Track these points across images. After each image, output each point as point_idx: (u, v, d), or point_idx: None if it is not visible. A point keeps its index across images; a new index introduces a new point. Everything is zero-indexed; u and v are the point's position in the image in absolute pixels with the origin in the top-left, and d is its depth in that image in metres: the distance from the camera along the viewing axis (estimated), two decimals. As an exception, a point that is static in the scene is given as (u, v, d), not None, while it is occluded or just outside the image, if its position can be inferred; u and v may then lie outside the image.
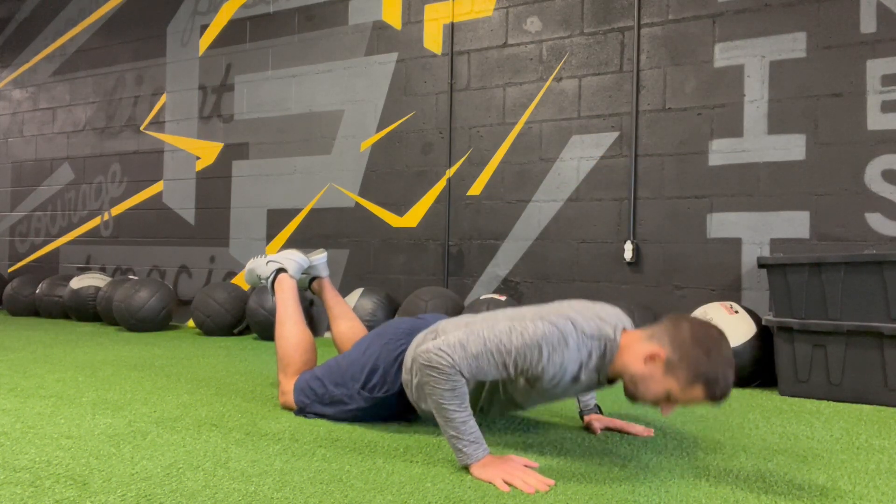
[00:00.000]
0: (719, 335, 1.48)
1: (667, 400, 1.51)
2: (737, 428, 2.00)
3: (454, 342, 1.54)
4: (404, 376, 1.84)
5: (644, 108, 3.31)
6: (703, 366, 1.44)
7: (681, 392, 1.47)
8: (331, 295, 2.48)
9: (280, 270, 2.38)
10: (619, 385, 2.65)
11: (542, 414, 2.13)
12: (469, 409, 1.54)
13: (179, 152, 4.80)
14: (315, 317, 4.07)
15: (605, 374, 1.59)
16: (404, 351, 1.86)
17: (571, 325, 1.54)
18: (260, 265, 2.43)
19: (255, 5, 4.51)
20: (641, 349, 1.52)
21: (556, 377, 1.55)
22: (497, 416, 1.84)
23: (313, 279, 2.54)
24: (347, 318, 2.42)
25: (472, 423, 1.53)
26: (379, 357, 1.88)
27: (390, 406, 1.89)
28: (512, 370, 1.55)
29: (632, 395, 1.56)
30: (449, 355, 1.52)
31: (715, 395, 1.45)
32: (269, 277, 2.38)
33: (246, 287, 4.19)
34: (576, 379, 1.57)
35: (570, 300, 1.78)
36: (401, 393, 1.86)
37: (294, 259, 2.42)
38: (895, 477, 1.56)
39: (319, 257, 2.51)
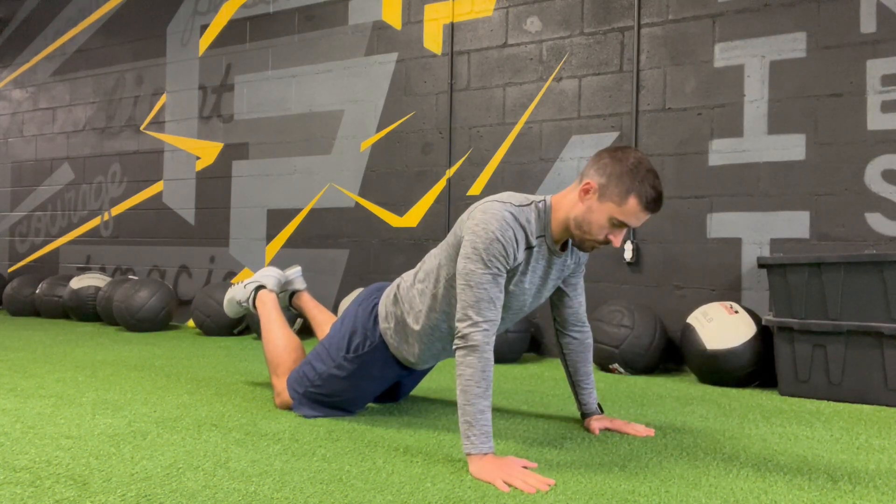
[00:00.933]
0: (635, 151, 1.61)
1: (611, 225, 1.62)
2: (737, 428, 2.00)
3: (461, 314, 1.60)
4: (381, 325, 1.92)
5: (644, 108, 3.31)
6: (628, 178, 1.57)
7: (620, 211, 1.59)
8: (311, 305, 2.54)
9: (259, 288, 2.44)
10: (619, 386, 2.65)
11: (541, 414, 2.13)
12: (490, 399, 1.57)
13: (179, 152, 4.80)
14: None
15: (551, 236, 1.69)
16: (377, 304, 1.97)
17: (499, 203, 1.64)
18: (238, 291, 2.50)
19: (255, 5, 4.51)
20: (574, 192, 1.66)
21: (517, 254, 1.63)
22: (507, 326, 1.90)
23: (292, 295, 2.57)
24: (331, 322, 2.44)
25: (489, 416, 1.55)
26: (356, 319, 1.98)
27: (378, 362, 1.94)
28: (503, 271, 1.62)
29: (581, 241, 1.67)
30: (471, 324, 1.58)
31: (648, 200, 1.57)
32: (249, 298, 2.45)
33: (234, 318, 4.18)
34: (529, 247, 1.67)
35: None
36: (384, 345, 1.93)
37: (270, 274, 2.50)
38: (895, 477, 1.56)
39: (294, 271, 2.58)
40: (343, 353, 1.95)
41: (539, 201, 1.70)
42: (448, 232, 3.76)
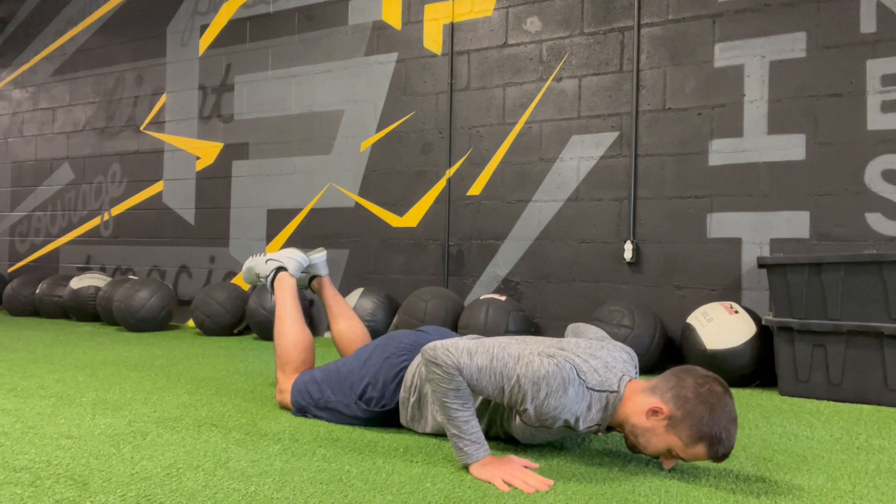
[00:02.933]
0: (723, 391, 1.44)
1: (668, 455, 1.49)
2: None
3: (462, 347, 1.54)
4: (402, 394, 1.84)
5: (644, 108, 3.31)
6: (707, 425, 1.40)
7: (683, 449, 1.44)
8: (330, 294, 2.48)
9: (280, 269, 2.37)
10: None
11: (542, 414, 2.13)
12: (472, 409, 1.54)
13: (179, 152, 4.80)
14: (315, 317, 4.07)
15: (606, 425, 1.56)
16: (405, 367, 1.85)
17: (576, 373, 1.49)
18: (259, 263, 2.42)
19: (255, 5, 4.51)
20: (644, 402, 1.49)
21: (547, 420, 1.51)
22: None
23: (313, 278, 2.53)
24: (347, 317, 2.42)
25: (475, 423, 1.53)
26: (379, 370, 1.88)
27: (384, 421, 1.90)
28: (507, 397, 1.52)
29: (632, 447, 1.54)
30: (454, 357, 1.52)
31: (717, 454, 1.42)
32: (268, 276, 2.38)
33: (245, 287, 4.19)
34: (570, 427, 1.55)
35: (585, 334, 1.79)
36: (396, 411, 1.87)
37: (294, 258, 2.41)
38: (895, 477, 1.56)
39: (319, 256, 2.50)
40: (355, 396, 1.89)
41: (613, 392, 1.52)
42: (448, 233, 3.78)
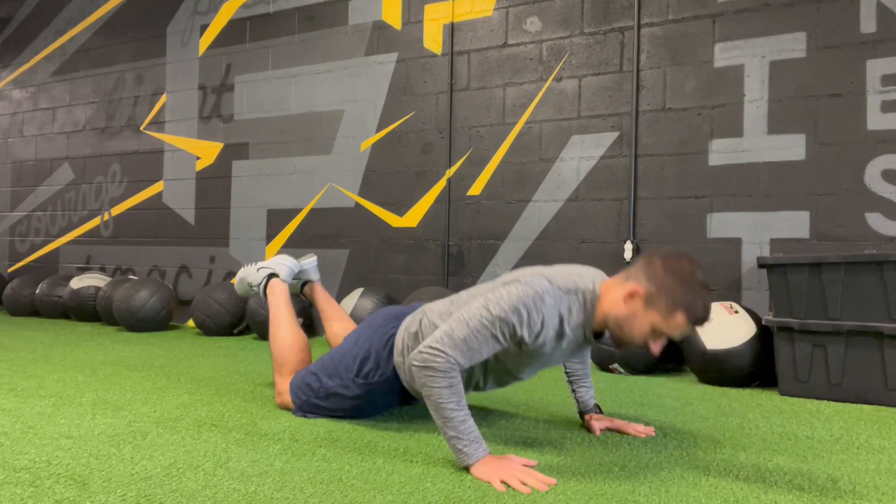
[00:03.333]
0: (691, 263, 1.55)
1: (653, 335, 1.55)
2: (737, 428, 2.00)
3: (440, 336, 1.56)
4: (396, 359, 1.87)
5: (644, 108, 3.31)
6: (680, 293, 1.51)
7: (664, 323, 1.53)
8: (323, 298, 2.52)
9: (272, 275, 2.41)
10: (619, 386, 2.65)
11: (542, 414, 2.13)
12: (467, 408, 1.54)
13: (179, 152, 4.80)
14: (315, 318, 4.07)
15: (591, 327, 1.62)
16: (394, 334, 1.90)
17: (546, 282, 1.57)
18: (251, 273, 2.46)
19: (255, 5, 4.51)
20: (620, 291, 1.58)
21: (540, 336, 1.57)
22: (495, 388, 1.86)
23: (305, 283, 2.56)
24: (340, 319, 2.44)
25: (471, 422, 1.53)
26: (370, 344, 1.91)
27: (385, 392, 1.91)
28: (504, 341, 1.57)
29: (619, 340, 1.60)
30: (441, 350, 1.53)
31: (696, 317, 1.51)
32: (260, 283, 2.42)
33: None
34: (560, 335, 1.60)
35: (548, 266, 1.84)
36: (395, 377, 1.89)
37: (285, 264, 2.46)
38: (895, 477, 1.56)
39: (310, 261, 2.54)
40: (352, 374, 1.90)
41: (587, 291, 1.61)
42: (448, 233, 3.78)
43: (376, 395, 1.92)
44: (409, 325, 1.86)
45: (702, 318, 1.52)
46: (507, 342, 1.58)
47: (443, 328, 1.58)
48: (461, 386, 1.55)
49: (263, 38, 4.47)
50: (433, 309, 1.83)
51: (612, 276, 1.69)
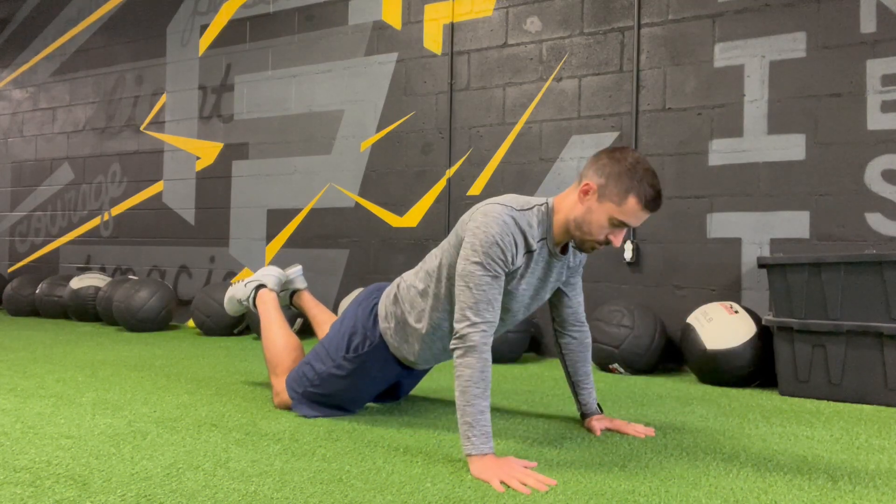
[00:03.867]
0: (633, 151, 1.63)
1: (611, 225, 1.63)
2: (737, 428, 2.00)
3: (459, 315, 1.61)
4: (381, 325, 1.92)
5: (644, 108, 3.31)
6: (627, 177, 1.58)
7: (619, 210, 1.60)
8: (312, 304, 2.54)
9: (259, 287, 2.44)
10: (619, 386, 2.65)
11: (542, 414, 2.13)
12: (489, 400, 1.57)
13: (179, 152, 4.80)
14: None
15: (553, 239, 1.69)
16: (377, 304, 1.97)
17: (500, 206, 1.64)
18: (238, 289, 2.50)
19: (255, 5, 4.51)
20: (572, 194, 1.67)
21: (516, 258, 1.64)
22: (505, 330, 1.90)
23: (293, 294, 2.57)
24: (332, 322, 2.44)
25: (489, 416, 1.56)
26: (355, 319, 1.98)
27: (377, 361, 1.94)
28: (502, 273, 1.63)
29: (581, 242, 1.68)
30: (469, 325, 1.58)
31: (647, 199, 1.58)
32: (249, 296, 2.45)
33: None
34: (528, 251, 1.67)
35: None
36: (383, 344, 1.93)
37: (271, 274, 2.49)
38: (895, 477, 1.56)
39: (295, 270, 2.57)
40: (343, 352, 1.95)
41: (541, 204, 1.70)
42: (448, 232, 3.77)
43: (369, 367, 1.95)
44: (388, 292, 1.95)
45: (652, 199, 1.59)
46: (504, 273, 1.64)
47: (457, 307, 1.62)
48: (490, 374, 1.58)
49: (263, 38, 4.47)
50: (408, 273, 1.93)
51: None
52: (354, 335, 1.95)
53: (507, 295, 1.72)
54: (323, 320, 2.45)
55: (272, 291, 2.43)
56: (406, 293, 1.88)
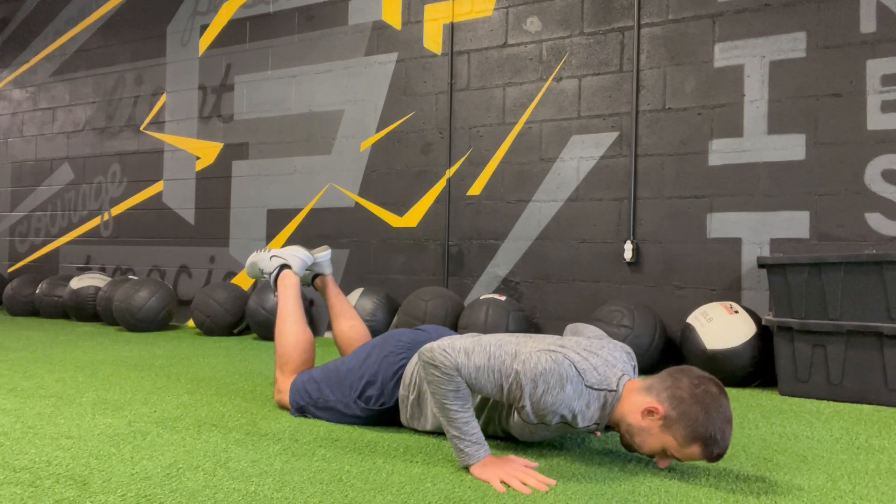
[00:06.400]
0: (718, 392, 1.44)
1: (663, 454, 1.49)
2: (737, 428, 2.00)
3: (459, 347, 1.54)
4: (401, 392, 1.84)
5: (644, 108, 3.31)
6: (702, 425, 1.41)
7: (678, 449, 1.45)
8: (333, 293, 2.46)
9: (284, 266, 2.35)
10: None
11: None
12: (471, 410, 1.54)
13: (179, 152, 4.80)
14: (315, 317, 4.07)
15: (604, 424, 1.57)
16: (404, 365, 1.85)
17: (575, 370, 1.49)
18: (263, 259, 2.40)
19: (255, 5, 4.51)
20: (640, 401, 1.49)
21: (546, 416, 1.51)
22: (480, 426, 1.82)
23: (316, 276, 2.52)
24: (349, 317, 2.40)
25: (475, 423, 1.53)
26: (378, 369, 1.87)
27: (382, 421, 1.90)
28: (505, 395, 1.53)
29: (627, 445, 1.55)
30: (452, 357, 1.52)
31: (713, 454, 1.42)
32: (272, 273, 2.36)
33: (246, 286, 4.19)
34: (568, 424, 1.55)
35: (583, 333, 1.78)
36: (395, 409, 1.87)
37: (298, 256, 2.39)
38: (895, 477, 1.56)
39: (324, 255, 2.48)
40: (354, 394, 1.89)
41: (611, 392, 1.52)
42: (448, 233, 3.77)
43: (373, 420, 1.90)
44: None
45: (718, 455, 1.43)
46: (505, 399, 1.55)
47: (465, 343, 1.55)
48: (468, 390, 1.54)
49: (263, 38, 4.47)
50: (448, 343, 1.70)
51: (641, 375, 1.62)
52: (372, 385, 1.87)
53: (523, 419, 1.58)
54: (340, 312, 2.39)
55: (295, 276, 2.34)
56: None
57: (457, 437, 1.52)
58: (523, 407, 1.51)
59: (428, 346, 1.57)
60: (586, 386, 1.50)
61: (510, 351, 1.54)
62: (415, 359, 1.83)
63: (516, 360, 1.51)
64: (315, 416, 1.97)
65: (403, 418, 1.86)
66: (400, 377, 1.85)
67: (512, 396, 1.52)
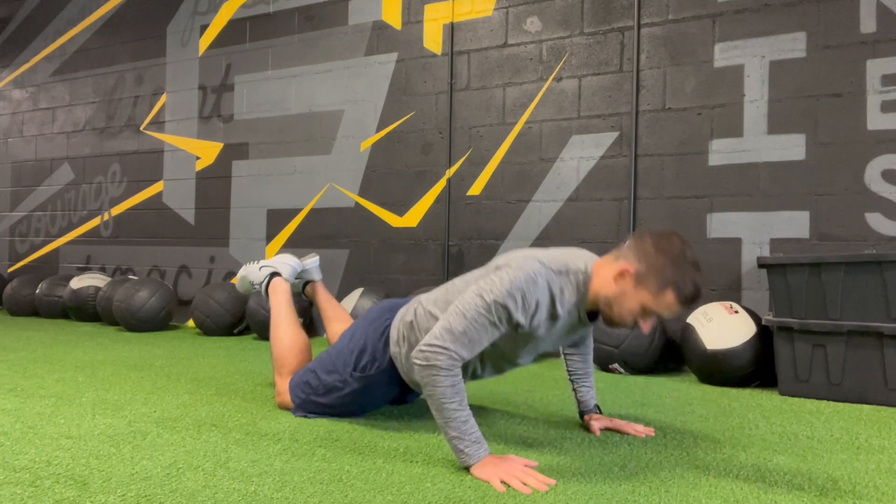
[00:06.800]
0: (681, 241, 1.55)
1: (643, 313, 1.56)
2: (737, 428, 2.00)
3: (439, 332, 1.55)
4: (392, 349, 1.88)
5: (644, 108, 3.31)
6: (670, 271, 1.51)
7: (654, 301, 1.53)
8: (324, 298, 2.51)
9: (274, 274, 2.40)
10: (619, 386, 2.65)
11: (542, 414, 2.13)
12: (469, 408, 1.54)
13: (179, 152, 4.80)
14: (315, 318, 4.07)
15: (584, 308, 1.63)
16: (389, 325, 1.91)
17: (538, 263, 1.57)
18: (253, 271, 2.46)
19: (255, 5, 4.51)
20: (610, 270, 1.58)
21: (535, 319, 1.57)
22: (493, 375, 1.86)
23: (306, 283, 2.56)
24: (342, 319, 2.43)
25: (473, 422, 1.53)
26: (366, 338, 1.92)
27: (383, 383, 1.92)
28: (501, 326, 1.57)
29: (609, 319, 1.61)
30: (442, 346, 1.53)
31: (686, 296, 1.52)
32: (262, 282, 2.41)
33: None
34: (553, 317, 1.60)
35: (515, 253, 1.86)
36: (392, 368, 1.89)
37: (288, 263, 2.45)
38: (895, 477, 1.56)
39: (312, 261, 2.53)
40: (350, 369, 1.91)
41: (580, 271, 1.61)
42: (448, 233, 3.78)
43: (374, 387, 1.93)
44: (403, 314, 1.88)
45: (691, 296, 1.53)
46: (505, 327, 1.58)
47: (440, 323, 1.57)
48: (463, 385, 1.55)
49: (263, 38, 4.47)
50: (428, 298, 1.84)
51: (603, 255, 1.70)
52: (363, 354, 1.91)
53: (527, 340, 1.66)
54: (333, 316, 2.42)
55: (286, 282, 2.38)
56: (423, 320, 1.79)
57: (456, 438, 1.52)
58: (518, 323, 1.56)
59: (415, 351, 1.57)
60: (555, 272, 1.58)
61: (473, 294, 1.56)
62: (398, 317, 1.89)
63: (486, 294, 1.55)
64: (318, 408, 1.98)
65: (402, 374, 1.89)
66: (388, 338, 1.89)
67: (505, 322, 1.56)
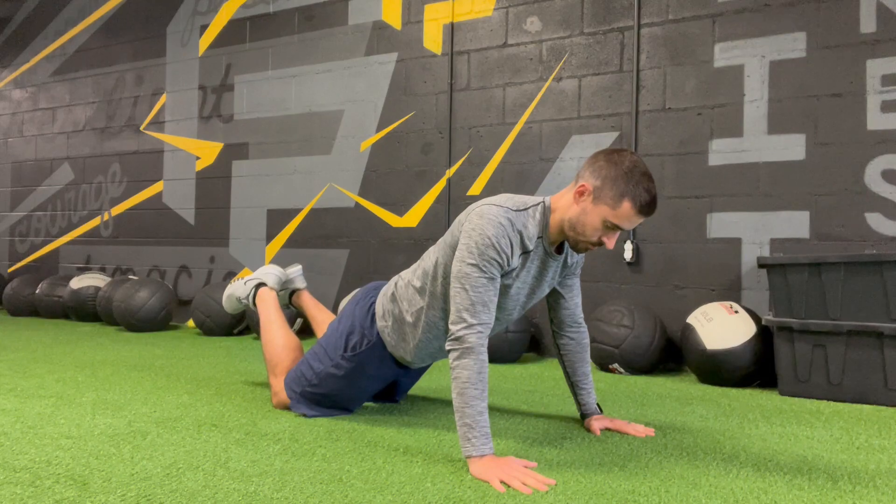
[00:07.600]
0: (630, 153, 1.62)
1: (605, 229, 1.63)
2: (737, 428, 2.00)
3: (455, 316, 1.61)
4: (379, 324, 1.93)
5: (644, 108, 3.31)
6: (623, 181, 1.58)
7: (613, 214, 1.60)
8: (311, 304, 2.54)
9: (259, 285, 2.44)
10: (619, 386, 2.65)
11: (542, 414, 2.13)
12: (486, 401, 1.57)
13: (179, 152, 4.80)
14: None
15: (549, 239, 1.69)
16: (374, 302, 1.97)
17: (496, 207, 1.64)
18: (238, 287, 2.51)
19: (255, 5, 4.51)
20: (569, 194, 1.67)
21: (511, 259, 1.65)
22: (504, 328, 1.91)
23: (292, 293, 2.57)
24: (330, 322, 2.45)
25: (487, 417, 1.56)
26: (353, 320, 1.98)
27: (374, 360, 1.95)
28: (497, 276, 1.63)
29: (575, 242, 1.68)
30: (466, 326, 1.58)
31: (641, 204, 1.58)
32: (249, 294, 2.45)
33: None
34: (525, 252, 1.67)
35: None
36: (381, 343, 1.93)
37: (272, 272, 2.50)
38: (895, 477, 1.56)
39: (295, 270, 2.57)
40: (341, 351, 1.95)
41: (537, 204, 1.70)
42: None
43: (367, 366, 1.96)
44: (385, 290, 1.96)
45: (647, 204, 1.59)
46: (499, 275, 1.64)
47: (453, 310, 1.62)
48: (487, 376, 1.58)
49: (263, 38, 4.47)
50: (407, 271, 1.93)
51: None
52: (352, 334, 1.96)
53: (503, 294, 1.73)
54: (322, 320, 2.45)
55: (272, 290, 2.43)
56: (404, 291, 1.88)
57: (467, 427, 1.53)
58: (510, 266, 1.65)
59: (447, 346, 1.61)
60: (514, 210, 1.65)
61: (458, 261, 1.63)
62: (381, 294, 1.97)
63: (468, 259, 1.61)
64: (315, 399, 1.99)
65: (390, 348, 1.94)
66: (374, 314, 1.95)
67: (498, 270, 1.63)
